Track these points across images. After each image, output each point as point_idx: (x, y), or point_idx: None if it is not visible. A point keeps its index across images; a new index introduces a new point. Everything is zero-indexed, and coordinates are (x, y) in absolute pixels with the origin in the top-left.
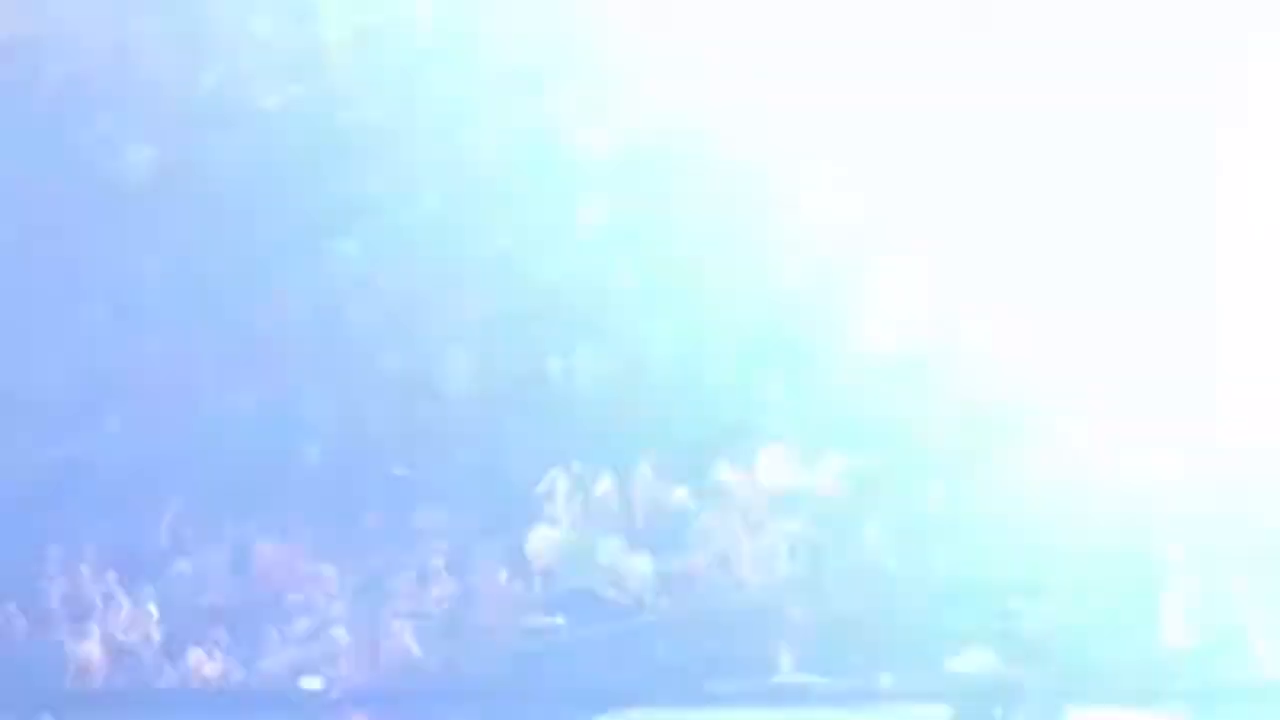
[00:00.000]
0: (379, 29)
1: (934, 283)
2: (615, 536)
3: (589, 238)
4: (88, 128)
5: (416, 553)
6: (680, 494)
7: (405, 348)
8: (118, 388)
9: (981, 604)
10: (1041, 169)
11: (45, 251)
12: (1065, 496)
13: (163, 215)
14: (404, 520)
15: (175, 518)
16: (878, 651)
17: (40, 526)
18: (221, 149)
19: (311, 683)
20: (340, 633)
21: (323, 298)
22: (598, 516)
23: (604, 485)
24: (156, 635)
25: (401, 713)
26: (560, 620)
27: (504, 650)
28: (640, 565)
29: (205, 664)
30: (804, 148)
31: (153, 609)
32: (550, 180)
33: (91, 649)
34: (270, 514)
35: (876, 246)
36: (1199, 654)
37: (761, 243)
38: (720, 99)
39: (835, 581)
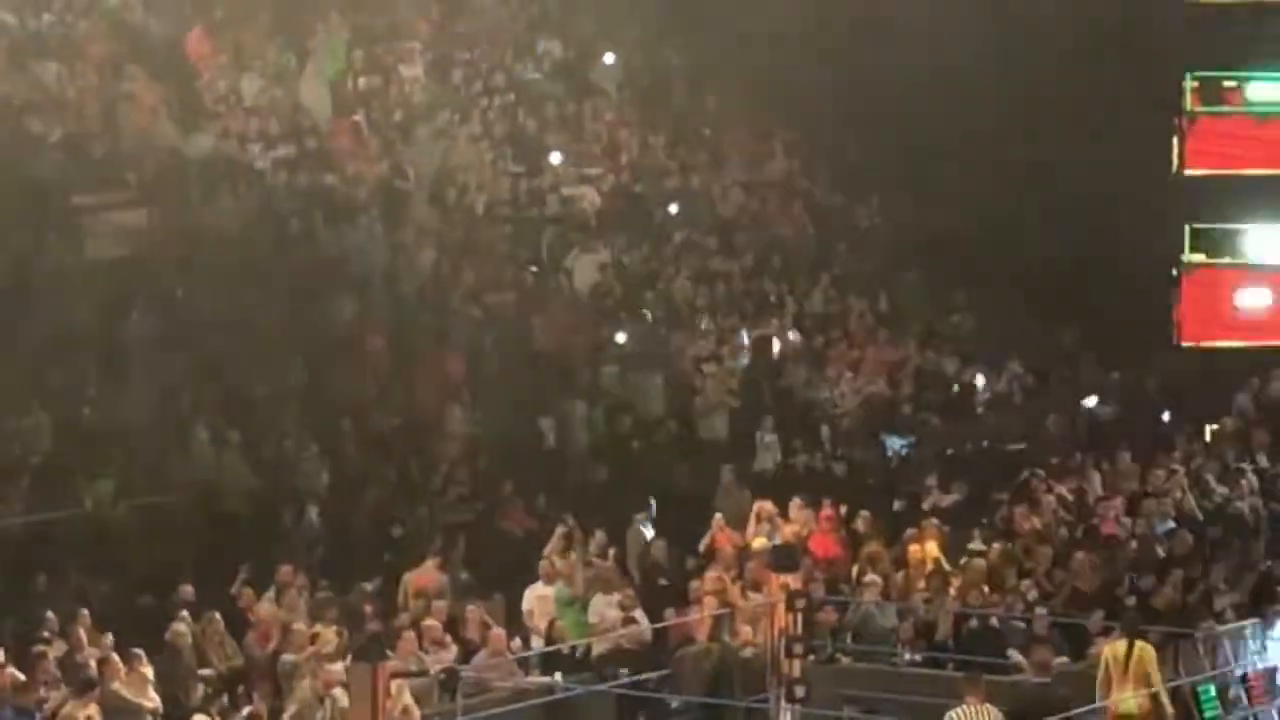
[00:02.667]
0: (370, 91)
1: None
2: (611, 592)
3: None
4: (81, 190)
5: (413, 612)
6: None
7: (399, 408)
8: (112, 450)
9: None
10: None
11: (39, 312)
12: None
13: (155, 276)
14: (401, 579)
15: (172, 579)
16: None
17: (37, 589)
18: (214, 210)
19: None
20: (340, 693)
21: (316, 358)
22: (593, 572)
23: (599, 541)
24: (155, 699)
25: None
26: (557, 677)
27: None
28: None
29: None
30: None
31: (148, 671)
32: (542, 237)
33: (91, 714)
34: (268, 575)
35: None
36: None
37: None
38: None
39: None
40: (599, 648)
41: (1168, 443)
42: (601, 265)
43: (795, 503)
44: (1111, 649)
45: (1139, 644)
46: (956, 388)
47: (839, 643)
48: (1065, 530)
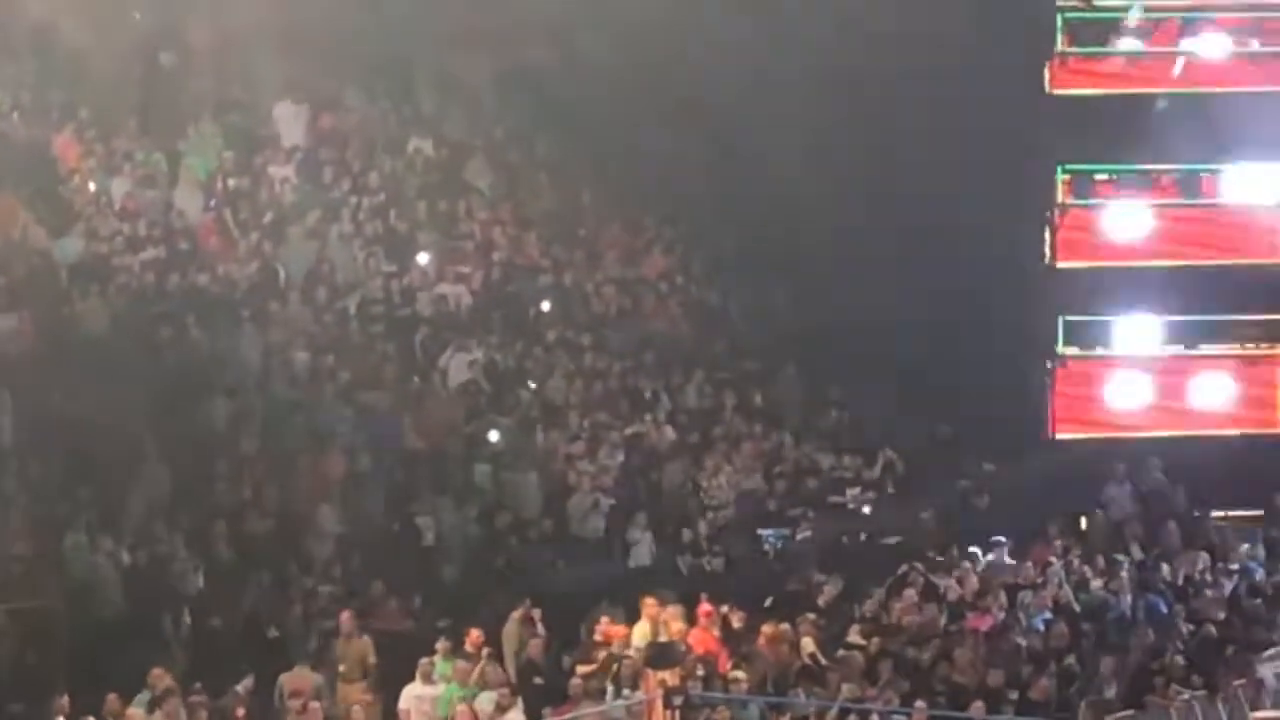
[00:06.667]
0: (240, 191)
1: None
2: (490, 691)
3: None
4: None
5: (291, 715)
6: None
7: (272, 508)
8: None
9: None
10: None
11: None
12: None
13: (26, 379)
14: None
15: (45, 685)
16: None
17: None
18: (84, 313)
19: None
20: None
21: (189, 460)
22: (471, 672)
23: (475, 639)
24: None
25: None
26: None
27: None
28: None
29: None
30: None
31: None
32: (415, 336)
33: None
34: (140, 680)
35: None
36: None
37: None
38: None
39: None
40: None
41: (1043, 535)
42: (473, 363)
43: (649, 601)
44: None
45: None
46: (831, 482)
47: None
48: (942, 623)
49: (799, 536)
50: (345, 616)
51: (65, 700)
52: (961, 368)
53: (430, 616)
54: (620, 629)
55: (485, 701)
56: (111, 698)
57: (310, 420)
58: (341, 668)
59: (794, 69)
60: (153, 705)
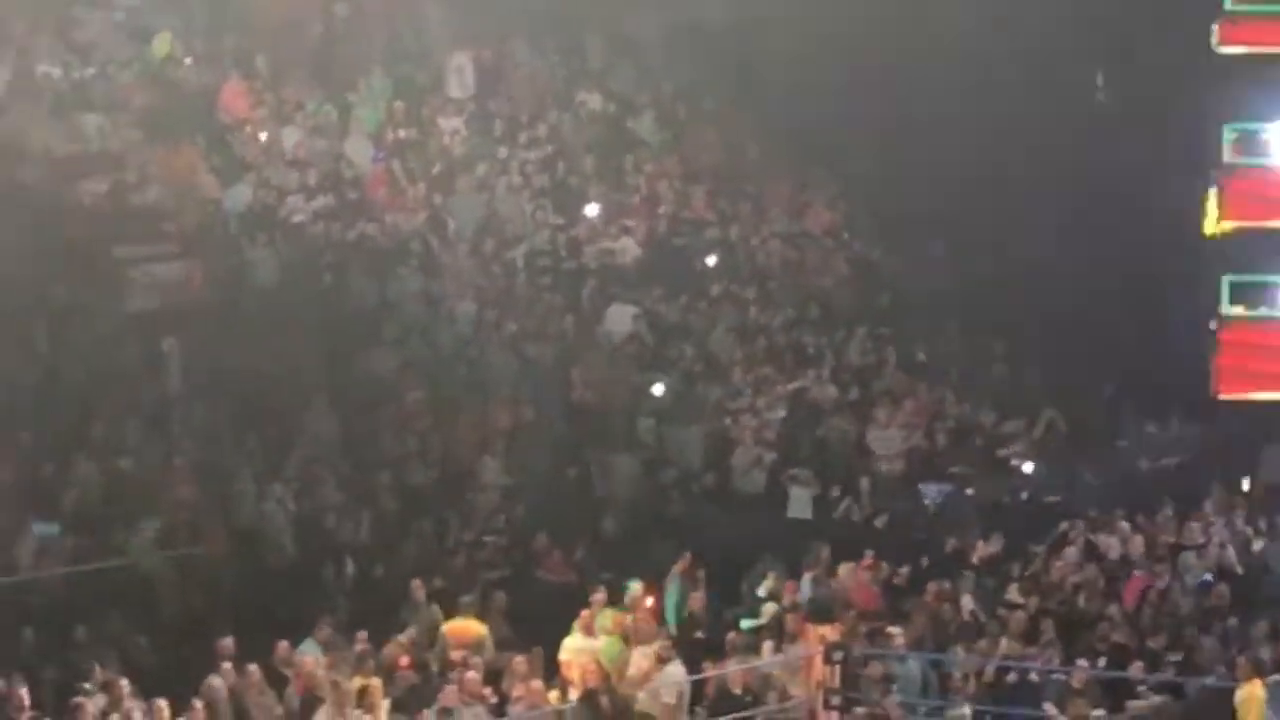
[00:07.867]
0: (410, 142)
1: None
2: (649, 645)
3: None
4: (122, 241)
5: (453, 663)
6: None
7: (437, 460)
8: (152, 500)
9: None
10: None
11: (80, 363)
12: None
13: (196, 328)
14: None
15: (211, 630)
16: None
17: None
18: (253, 262)
19: None
20: None
21: (355, 410)
22: (632, 625)
23: (636, 592)
24: None
25: None
26: None
27: None
28: (675, 673)
29: None
30: None
31: None
32: (582, 288)
33: None
34: (304, 627)
35: None
36: None
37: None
38: None
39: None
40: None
41: (1206, 495)
42: (638, 317)
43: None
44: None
45: (1248, 685)
46: (993, 440)
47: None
48: (1103, 583)
49: (960, 494)
50: (416, 584)
51: (229, 641)
52: (1125, 327)
53: (592, 569)
54: (791, 584)
55: (643, 656)
56: (282, 645)
57: (475, 371)
58: (412, 631)
59: (959, 25)
60: (322, 652)
